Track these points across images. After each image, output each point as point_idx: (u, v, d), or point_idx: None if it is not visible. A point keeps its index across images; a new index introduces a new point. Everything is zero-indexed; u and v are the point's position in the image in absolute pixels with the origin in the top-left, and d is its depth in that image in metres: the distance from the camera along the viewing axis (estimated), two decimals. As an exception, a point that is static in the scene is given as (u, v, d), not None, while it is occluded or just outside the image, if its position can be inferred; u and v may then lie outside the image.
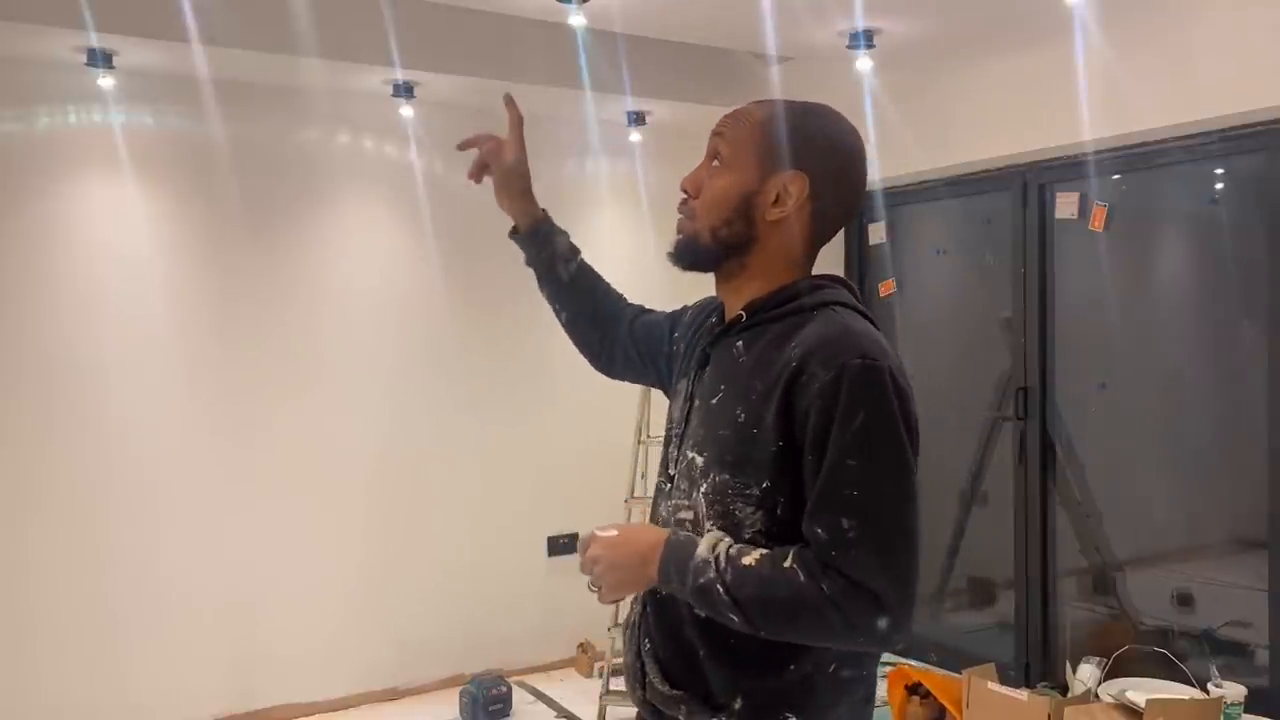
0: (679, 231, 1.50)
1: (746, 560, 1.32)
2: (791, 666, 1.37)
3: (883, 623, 1.28)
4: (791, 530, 1.34)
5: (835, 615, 1.28)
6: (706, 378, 1.49)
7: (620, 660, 2.90)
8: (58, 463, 3.79)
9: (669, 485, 1.51)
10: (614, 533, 1.43)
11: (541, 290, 1.85)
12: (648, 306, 1.84)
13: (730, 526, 1.38)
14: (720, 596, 1.32)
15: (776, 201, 1.42)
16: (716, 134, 1.48)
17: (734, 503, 1.38)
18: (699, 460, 1.43)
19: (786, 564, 1.30)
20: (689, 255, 1.49)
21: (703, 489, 1.41)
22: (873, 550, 1.28)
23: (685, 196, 1.50)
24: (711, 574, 1.33)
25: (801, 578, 1.29)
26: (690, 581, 1.35)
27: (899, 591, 1.28)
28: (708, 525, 1.40)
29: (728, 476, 1.38)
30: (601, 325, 1.82)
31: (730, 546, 1.35)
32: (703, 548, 1.35)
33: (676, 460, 1.50)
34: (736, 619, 1.33)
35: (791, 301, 1.43)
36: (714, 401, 1.44)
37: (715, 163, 1.47)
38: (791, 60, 4.34)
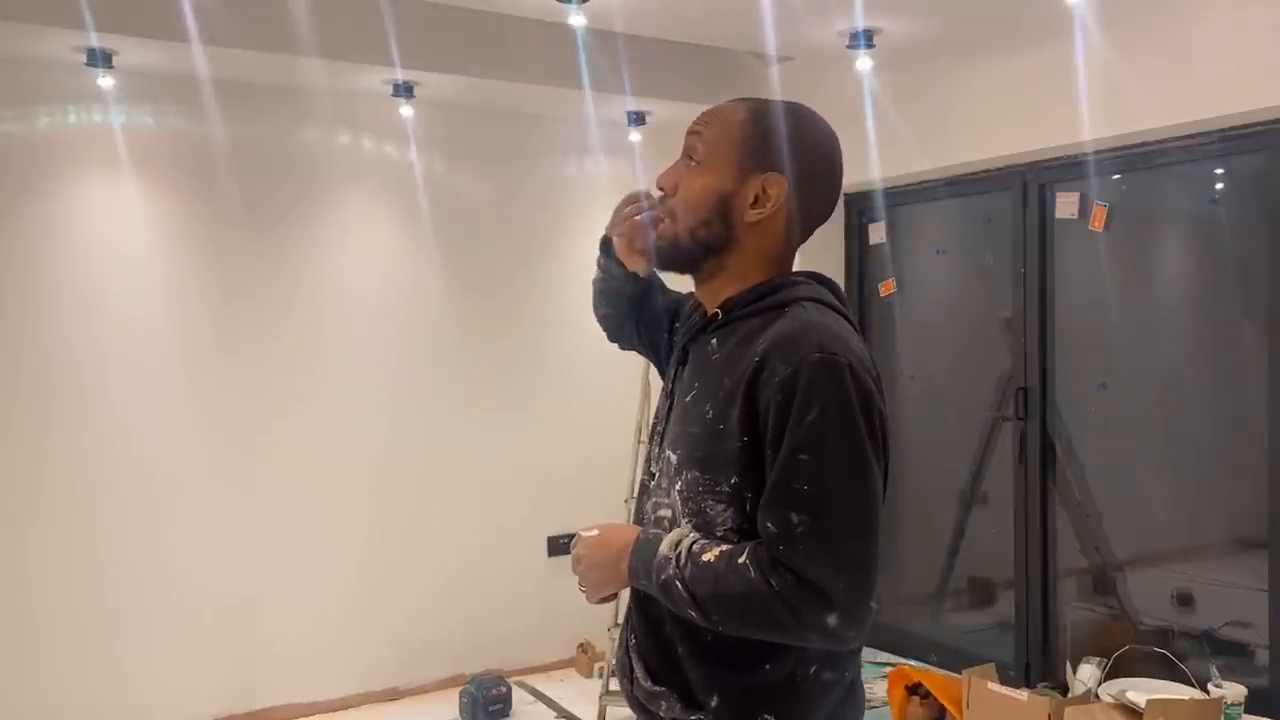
0: (659, 236, 1.47)
1: (706, 557, 1.33)
2: (767, 666, 1.36)
3: (832, 620, 1.27)
4: None
5: (784, 611, 1.27)
6: (685, 375, 1.50)
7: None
8: (58, 463, 3.79)
9: (651, 482, 1.52)
10: (595, 532, 1.45)
11: (595, 284, 1.80)
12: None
13: (704, 524, 1.38)
14: (679, 593, 1.33)
15: (755, 203, 1.42)
16: (693, 132, 1.47)
17: (705, 500, 1.38)
18: (673, 458, 1.44)
19: (741, 560, 1.30)
20: (668, 257, 1.49)
21: (678, 487, 1.42)
22: (821, 546, 1.27)
23: (663, 194, 1.49)
24: (671, 570, 1.34)
25: (753, 574, 1.29)
26: (654, 578, 1.36)
27: (849, 588, 1.27)
28: (683, 523, 1.40)
29: (698, 473, 1.39)
30: (628, 319, 1.80)
31: (694, 543, 1.35)
32: (664, 545, 1.36)
33: (658, 458, 1.51)
34: (695, 615, 1.33)
35: (765, 298, 1.43)
36: (688, 399, 1.45)
37: (692, 161, 1.46)
38: (791, 60, 4.34)
